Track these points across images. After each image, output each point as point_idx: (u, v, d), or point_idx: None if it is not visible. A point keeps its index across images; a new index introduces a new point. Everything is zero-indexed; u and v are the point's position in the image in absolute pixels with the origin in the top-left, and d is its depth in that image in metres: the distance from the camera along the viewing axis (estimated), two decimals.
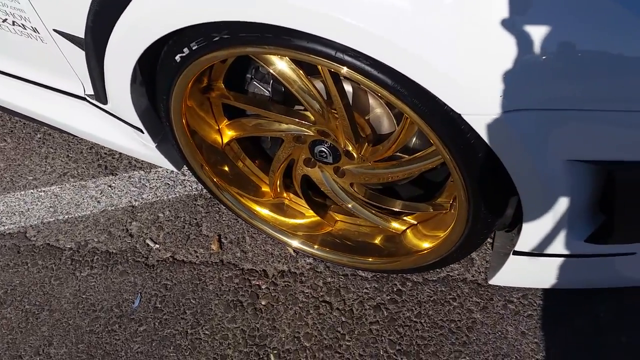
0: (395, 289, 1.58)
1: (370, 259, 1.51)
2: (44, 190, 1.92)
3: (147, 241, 1.75)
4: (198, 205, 1.81)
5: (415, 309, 1.54)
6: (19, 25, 1.30)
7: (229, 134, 1.46)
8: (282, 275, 1.64)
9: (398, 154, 1.28)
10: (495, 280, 1.39)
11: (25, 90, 1.58)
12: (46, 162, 1.99)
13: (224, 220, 1.77)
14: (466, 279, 1.57)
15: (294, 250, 1.67)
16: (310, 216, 1.59)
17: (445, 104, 0.93)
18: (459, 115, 0.93)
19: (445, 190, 1.33)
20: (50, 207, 1.87)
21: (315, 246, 1.58)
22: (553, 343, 1.46)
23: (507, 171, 1.01)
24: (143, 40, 1.11)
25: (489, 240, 1.59)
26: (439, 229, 1.37)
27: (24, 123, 2.11)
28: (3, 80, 1.61)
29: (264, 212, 1.61)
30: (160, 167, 1.90)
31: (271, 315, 1.57)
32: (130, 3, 1.06)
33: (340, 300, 1.58)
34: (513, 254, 1.25)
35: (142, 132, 1.44)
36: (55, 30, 1.25)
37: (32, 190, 1.93)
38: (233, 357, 1.52)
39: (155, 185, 1.87)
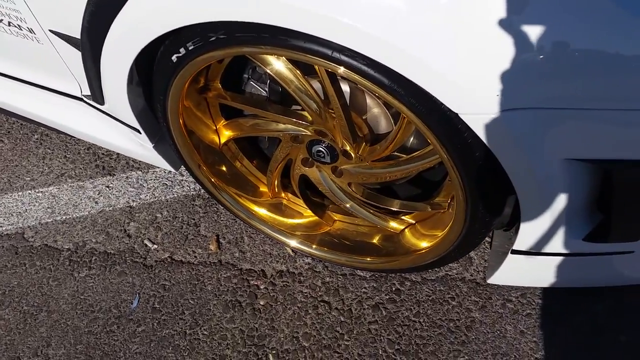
0: (393, 289, 1.58)
1: (368, 259, 1.51)
2: (41, 191, 1.92)
3: (145, 241, 1.75)
4: (196, 205, 1.81)
5: (414, 308, 1.54)
6: (15, 26, 1.30)
7: (226, 134, 1.46)
8: (280, 275, 1.64)
9: (396, 153, 1.28)
10: (493, 279, 1.39)
11: (22, 91, 1.58)
12: (44, 162, 1.99)
13: (222, 220, 1.76)
14: (465, 278, 1.57)
15: (293, 250, 1.67)
16: (308, 216, 1.59)
17: (442, 103, 0.93)
18: (456, 114, 0.93)
19: (443, 189, 1.33)
20: (48, 207, 1.87)
21: (314, 246, 1.58)
22: (552, 342, 1.46)
23: (504, 170, 1.01)
24: (139, 40, 1.10)
25: (487, 239, 1.59)
26: (437, 228, 1.37)
27: (21, 124, 2.10)
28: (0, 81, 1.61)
29: (262, 212, 1.61)
30: (158, 167, 1.90)
31: (270, 315, 1.57)
32: (126, 3, 1.06)
33: (339, 300, 1.58)
34: (511, 253, 1.25)
35: (140, 133, 1.43)
36: (51, 31, 1.24)
37: (29, 191, 1.92)
38: (232, 357, 1.52)
39: (153, 186, 1.87)
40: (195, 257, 1.70)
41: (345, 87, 1.21)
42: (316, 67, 1.08)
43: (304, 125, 1.26)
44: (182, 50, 1.11)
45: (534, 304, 1.51)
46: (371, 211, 1.46)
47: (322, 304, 1.58)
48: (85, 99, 1.43)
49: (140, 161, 1.92)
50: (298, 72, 1.15)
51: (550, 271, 1.28)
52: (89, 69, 1.26)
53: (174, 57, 1.13)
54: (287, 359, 1.50)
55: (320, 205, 1.58)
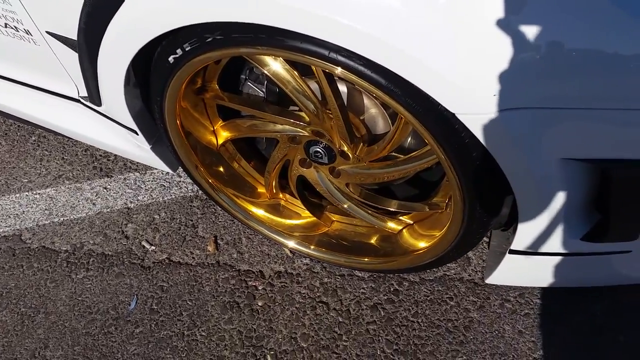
0: (392, 289, 1.58)
1: (366, 259, 1.51)
2: (39, 193, 1.91)
3: (143, 243, 1.75)
4: (194, 206, 1.80)
5: (412, 308, 1.54)
6: (12, 28, 1.30)
7: (223, 135, 1.45)
8: (278, 276, 1.64)
9: (393, 153, 1.28)
10: (491, 279, 1.39)
11: (19, 92, 1.58)
12: (41, 164, 1.98)
13: (220, 221, 1.76)
14: (463, 278, 1.57)
15: (291, 251, 1.66)
16: (306, 217, 1.59)
17: (439, 104, 0.93)
18: (453, 114, 0.93)
19: (441, 189, 1.33)
20: (46, 209, 1.87)
21: (312, 247, 1.58)
22: (550, 342, 1.46)
23: (502, 170, 1.00)
24: (136, 41, 1.10)
25: (485, 239, 1.59)
26: (435, 228, 1.37)
27: (19, 126, 2.10)
28: None
29: (260, 213, 1.60)
30: (156, 168, 1.90)
31: (268, 316, 1.57)
32: (123, 4, 1.05)
33: (337, 300, 1.58)
34: (509, 253, 1.24)
35: (137, 134, 1.43)
36: (48, 32, 1.24)
37: (27, 193, 1.92)
38: (230, 358, 1.51)
39: (151, 187, 1.87)
40: (193, 258, 1.70)
41: (342, 88, 1.21)
42: (313, 67, 1.07)
43: (302, 126, 1.26)
44: (179, 51, 1.11)
45: (532, 303, 1.51)
46: (369, 212, 1.46)
47: (320, 304, 1.57)
48: (82, 100, 1.43)
49: (137, 163, 1.92)
50: (295, 72, 1.15)
51: (548, 271, 1.28)
52: (86, 70, 1.25)
53: (170, 58, 1.13)
54: None
55: (318, 206, 1.58)
